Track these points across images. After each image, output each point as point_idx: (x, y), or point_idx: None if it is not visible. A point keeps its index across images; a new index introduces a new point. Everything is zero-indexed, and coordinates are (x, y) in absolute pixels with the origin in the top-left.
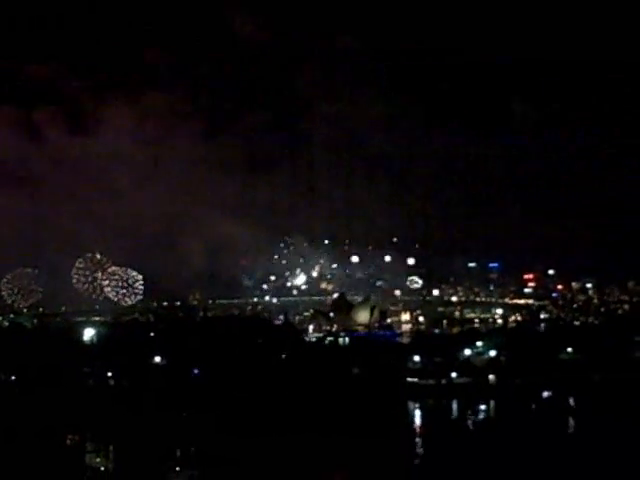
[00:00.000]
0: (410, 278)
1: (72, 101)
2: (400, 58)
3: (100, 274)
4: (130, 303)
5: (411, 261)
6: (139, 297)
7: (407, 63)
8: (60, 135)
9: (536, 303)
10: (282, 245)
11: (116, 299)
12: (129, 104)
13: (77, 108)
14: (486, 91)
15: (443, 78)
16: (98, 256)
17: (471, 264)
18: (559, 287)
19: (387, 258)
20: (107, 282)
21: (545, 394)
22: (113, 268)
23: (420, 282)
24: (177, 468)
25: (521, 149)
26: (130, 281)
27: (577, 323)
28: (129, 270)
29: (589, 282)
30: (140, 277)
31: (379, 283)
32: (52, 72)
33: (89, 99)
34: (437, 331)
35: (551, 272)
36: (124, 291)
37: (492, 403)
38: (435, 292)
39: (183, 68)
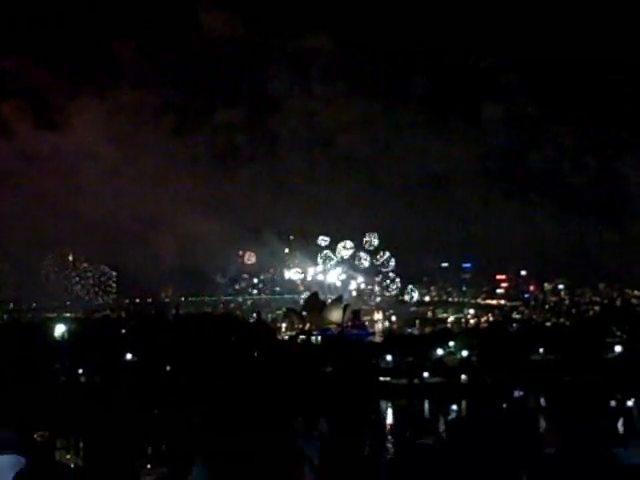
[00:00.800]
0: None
1: (40, 95)
2: (372, 57)
3: (70, 272)
4: (101, 301)
5: (384, 260)
6: (111, 295)
7: (379, 62)
8: (28, 129)
9: (508, 304)
10: (254, 242)
11: (87, 297)
12: (98, 99)
13: (45, 102)
14: (458, 91)
15: (415, 78)
16: (70, 257)
17: (444, 264)
18: (531, 288)
19: (360, 257)
20: (78, 279)
21: (516, 394)
22: (84, 265)
23: (398, 283)
24: (148, 465)
25: (494, 150)
26: (102, 278)
27: (549, 324)
28: (102, 266)
29: (561, 283)
30: (113, 274)
31: (352, 282)
32: (19, 65)
33: (57, 93)
34: (410, 331)
35: (523, 273)
36: (95, 289)
37: (464, 403)
38: (414, 294)
39: (153, 64)
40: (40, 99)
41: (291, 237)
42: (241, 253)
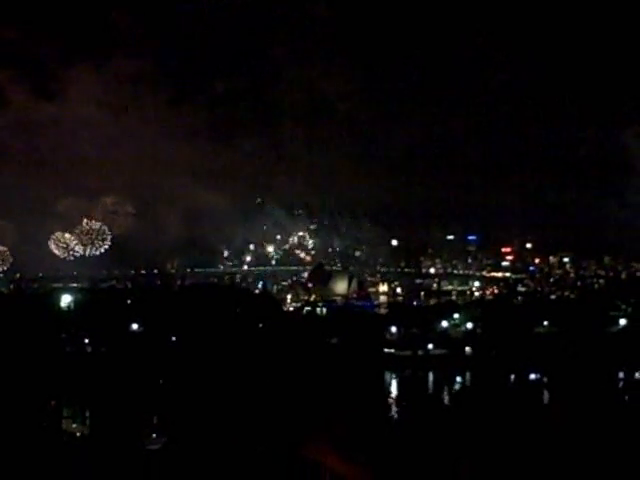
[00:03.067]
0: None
1: (36, 64)
2: (374, 26)
3: (68, 234)
4: (97, 253)
5: (389, 233)
6: (105, 246)
7: (381, 31)
8: (25, 99)
9: (513, 276)
10: (259, 214)
11: (85, 253)
12: (96, 68)
13: (42, 71)
14: (460, 63)
15: (417, 48)
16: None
17: (450, 236)
18: (536, 261)
19: (365, 229)
20: (73, 237)
21: (520, 367)
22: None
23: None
24: (154, 435)
25: (498, 121)
26: (99, 232)
27: (553, 297)
28: (97, 223)
29: (566, 256)
30: (109, 232)
31: (357, 254)
32: (16, 34)
33: (54, 63)
34: (414, 303)
35: (529, 246)
36: (91, 244)
37: (468, 375)
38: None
39: (151, 33)
40: (37, 68)
41: (299, 211)
42: (246, 224)
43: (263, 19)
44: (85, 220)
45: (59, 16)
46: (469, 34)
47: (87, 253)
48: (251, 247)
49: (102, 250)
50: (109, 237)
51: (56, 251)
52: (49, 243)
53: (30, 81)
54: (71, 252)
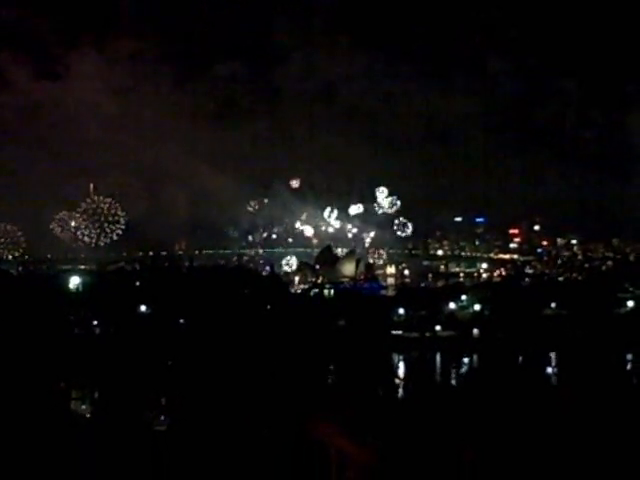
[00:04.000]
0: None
1: (39, 45)
2: (375, 11)
3: (73, 221)
4: (109, 240)
5: (397, 214)
6: (118, 231)
7: (382, 15)
8: (26, 79)
9: (521, 258)
10: (266, 196)
11: (92, 242)
12: (97, 49)
13: (44, 52)
14: (464, 45)
15: (422, 31)
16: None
17: (457, 218)
18: (544, 243)
19: (373, 211)
20: (79, 223)
21: (527, 349)
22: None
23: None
24: (162, 417)
25: (504, 103)
26: (109, 213)
27: (561, 279)
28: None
29: (574, 238)
30: (122, 215)
31: (365, 236)
32: (18, 15)
33: (57, 43)
34: (422, 284)
35: (537, 228)
36: (97, 231)
37: (475, 357)
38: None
39: (154, 13)
40: (39, 49)
41: (306, 193)
42: (253, 206)
43: (266, 1)
44: (89, 199)
45: None
46: (473, 13)
47: (97, 240)
48: (258, 229)
49: (115, 236)
50: (122, 219)
51: (60, 235)
52: (52, 226)
53: (32, 62)
54: (79, 237)
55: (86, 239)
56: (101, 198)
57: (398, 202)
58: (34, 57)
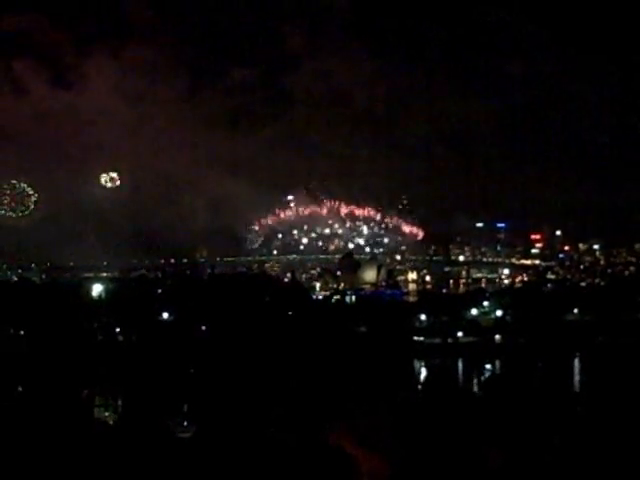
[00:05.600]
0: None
1: (53, 54)
2: (389, 15)
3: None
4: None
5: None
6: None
7: (396, 20)
8: (42, 88)
9: (543, 264)
10: (286, 202)
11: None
12: (112, 58)
13: (59, 61)
14: (480, 50)
15: (436, 36)
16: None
17: (479, 224)
18: (566, 248)
19: (395, 218)
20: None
21: (550, 354)
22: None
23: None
24: (185, 423)
25: (521, 108)
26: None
27: (583, 284)
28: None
29: (596, 243)
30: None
31: (386, 242)
32: (33, 24)
33: (71, 52)
34: (444, 290)
35: (558, 233)
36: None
37: (497, 362)
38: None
39: (168, 22)
40: (54, 57)
41: (325, 199)
42: (275, 212)
43: (279, 8)
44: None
45: (76, 6)
46: (487, 18)
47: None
48: (279, 236)
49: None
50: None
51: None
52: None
53: (47, 70)
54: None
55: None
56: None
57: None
58: (49, 65)
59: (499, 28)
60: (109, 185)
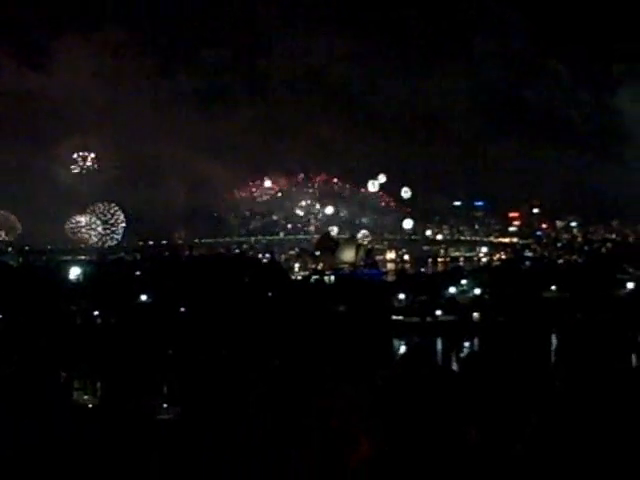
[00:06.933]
0: (405, 222)
1: (23, 34)
2: None
3: (82, 218)
4: (114, 243)
5: (396, 199)
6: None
7: None
8: (11, 69)
9: (520, 241)
10: (263, 183)
11: (99, 242)
12: (82, 39)
13: (29, 41)
14: (454, 24)
15: (407, 13)
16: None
17: (456, 203)
18: (543, 226)
19: (373, 197)
20: (86, 221)
21: (528, 332)
22: (97, 205)
23: (411, 224)
24: (164, 405)
25: (489, 86)
26: (112, 220)
27: (561, 262)
28: (112, 205)
29: (574, 221)
30: (121, 216)
31: (364, 221)
32: (3, 5)
33: (42, 33)
34: (422, 270)
35: (536, 211)
36: (107, 231)
37: (476, 340)
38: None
39: (138, 2)
40: (23, 38)
41: (302, 179)
42: (252, 193)
43: None
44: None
45: None
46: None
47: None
48: (257, 216)
49: (120, 229)
50: (122, 224)
51: (73, 237)
52: (65, 229)
53: (16, 51)
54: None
55: (94, 239)
56: (106, 204)
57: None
58: (18, 46)
59: (471, 5)
60: (83, 166)
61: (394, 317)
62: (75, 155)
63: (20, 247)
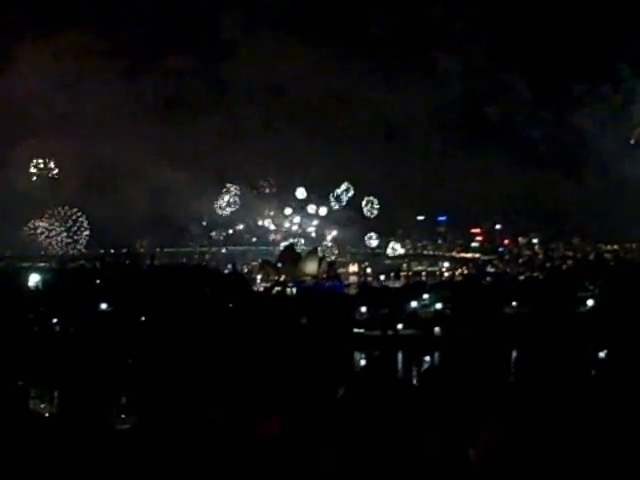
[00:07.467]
0: (368, 235)
1: None
2: (326, 7)
3: (42, 222)
4: (75, 251)
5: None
6: (83, 240)
7: (333, 11)
8: None
9: (482, 257)
10: (226, 193)
11: (60, 249)
12: (44, 42)
13: None
14: (412, 41)
15: (371, 28)
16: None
17: (420, 217)
18: (505, 242)
19: (336, 209)
20: (46, 225)
21: (488, 347)
22: (58, 210)
23: (376, 241)
24: (122, 415)
25: (450, 103)
26: (74, 227)
27: (522, 278)
28: (73, 210)
29: (535, 237)
30: (84, 223)
31: (326, 233)
32: None
33: (3, 37)
34: (384, 283)
35: (498, 227)
36: (69, 239)
37: (437, 355)
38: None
39: (102, 6)
40: None
41: (266, 191)
42: (215, 203)
43: None
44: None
45: None
46: (421, 10)
47: (67, 250)
48: (219, 226)
49: (83, 237)
50: (86, 229)
51: (31, 243)
52: (23, 231)
53: None
54: (51, 240)
55: (56, 246)
56: (67, 208)
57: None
58: None
59: (434, 21)
60: (42, 173)
61: (356, 330)
62: (35, 161)
63: None
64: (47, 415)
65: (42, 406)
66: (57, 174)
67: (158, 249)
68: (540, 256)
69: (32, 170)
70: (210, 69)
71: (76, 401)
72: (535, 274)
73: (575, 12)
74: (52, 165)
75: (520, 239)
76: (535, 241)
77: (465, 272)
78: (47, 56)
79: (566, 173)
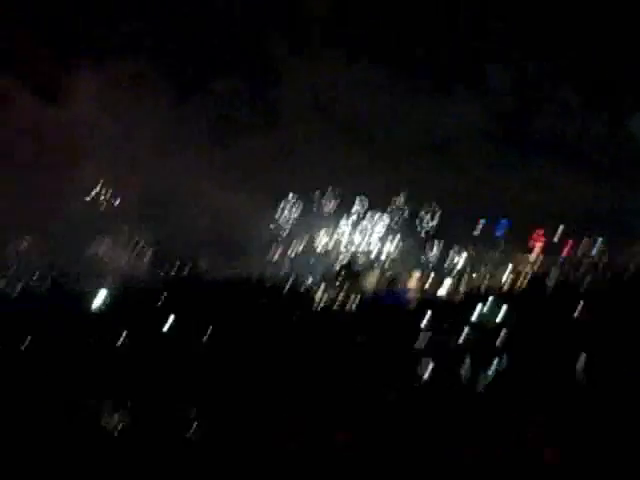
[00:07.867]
0: (428, 245)
1: (38, 67)
2: (374, 23)
3: (104, 246)
4: (137, 274)
5: (420, 223)
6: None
7: (382, 27)
8: (25, 102)
9: (545, 263)
10: (283, 209)
11: (124, 271)
12: (94, 71)
13: (43, 74)
14: (465, 55)
15: (420, 43)
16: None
17: (479, 225)
18: (567, 248)
19: (393, 221)
20: (109, 249)
21: (556, 353)
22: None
23: (436, 251)
24: (194, 425)
25: (501, 114)
26: (137, 248)
27: (585, 285)
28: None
29: (598, 243)
30: (146, 244)
31: (387, 246)
32: (14, 39)
33: (53, 67)
34: (446, 293)
35: (559, 233)
36: (131, 261)
37: (503, 361)
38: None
39: (148, 33)
40: (38, 71)
41: (320, 202)
42: (273, 220)
43: (262, 17)
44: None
45: (58, 19)
46: (470, 24)
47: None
48: (279, 245)
49: (146, 258)
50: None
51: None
52: (86, 256)
53: (31, 84)
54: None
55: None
56: (126, 228)
57: (427, 214)
58: (32, 79)
59: (481, 33)
60: (102, 198)
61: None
62: (95, 188)
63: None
64: (119, 430)
65: (114, 422)
66: (116, 199)
67: (218, 268)
68: (603, 262)
69: (92, 196)
70: (258, 89)
71: (148, 416)
72: (598, 281)
73: (626, 20)
74: (111, 191)
75: (582, 244)
76: (597, 246)
77: (528, 279)
78: (100, 84)
79: (629, 181)
